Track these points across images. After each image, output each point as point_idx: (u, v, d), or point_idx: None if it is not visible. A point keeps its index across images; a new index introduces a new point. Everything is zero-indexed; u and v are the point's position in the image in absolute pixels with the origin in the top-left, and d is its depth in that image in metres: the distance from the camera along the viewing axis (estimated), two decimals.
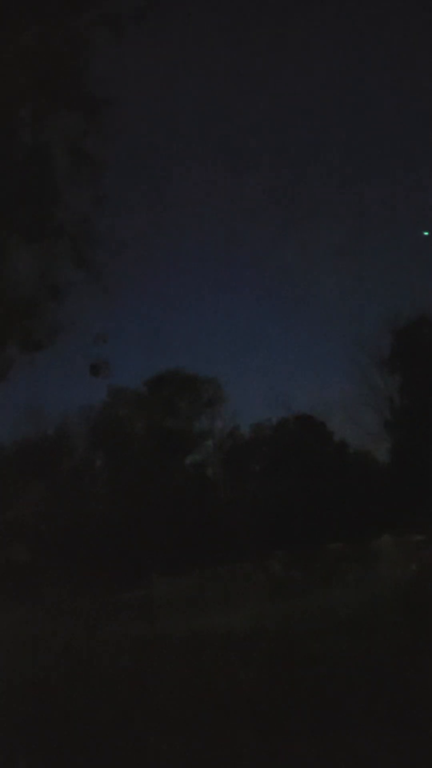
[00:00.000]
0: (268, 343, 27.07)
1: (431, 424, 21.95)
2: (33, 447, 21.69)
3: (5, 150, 8.15)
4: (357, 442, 24.17)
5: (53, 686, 8.31)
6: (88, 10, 7.83)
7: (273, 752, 6.07)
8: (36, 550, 17.14)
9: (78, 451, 23.63)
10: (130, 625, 13.22)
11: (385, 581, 13.59)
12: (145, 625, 13.10)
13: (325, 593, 13.26)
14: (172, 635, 10.92)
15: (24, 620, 12.52)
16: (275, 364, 26.19)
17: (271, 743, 6.21)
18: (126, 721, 7.03)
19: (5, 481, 18.95)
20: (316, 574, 15.89)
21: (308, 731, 6.27)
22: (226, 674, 8.11)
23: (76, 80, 8.22)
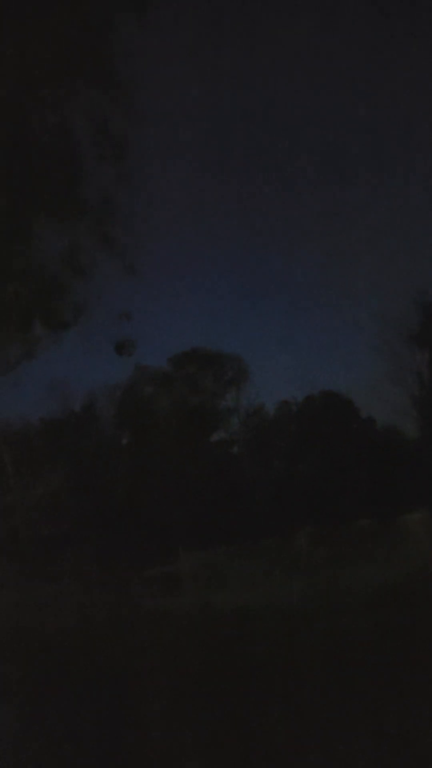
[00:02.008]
0: (293, 319, 26.75)
1: None
2: (59, 424, 21.89)
3: (29, 129, 8.11)
4: (384, 419, 23.97)
5: (76, 659, 8.47)
6: None
7: (283, 728, 6.12)
8: (62, 526, 17.36)
9: (103, 429, 23.81)
10: (155, 599, 13.39)
11: (412, 559, 13.56)
12: (171, 599, 13.25)
13: (351, 570, 13.28)
14: (196, 609, 11.05)
15: (51, 594, 12.73)
16: (301, 341, 25.90)
17: (283, 717, 6.27)
18: (144, 693, 7.15)
19: (32, 457, 19.18)
20: (343, 551, 15.90)
21: (321, 707, 6.30)
22: (246, 649, 8.19)
23: (100, 58, 8.12)
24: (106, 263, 9.98)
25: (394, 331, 23.05)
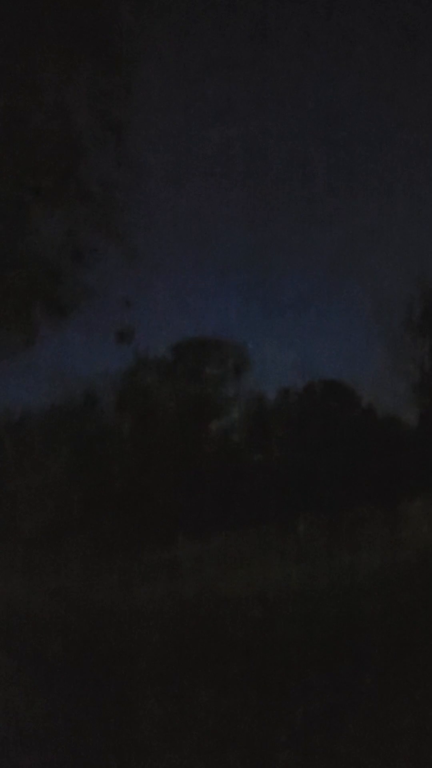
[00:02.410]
0: (294, 306, 26.72)
1: None
2: (59, 412, 21.95)
3: (26, 111, 8.09)
4: (385, 407, 23.96)
5: (78, 644, 8.52)
6: None
7: (282, 713, 6.19)
8: (63, 514, 17.45)
9: (104, 417, 23.87)
10: (156, 584, 13.46)
11: (411, 544, 13.61)
12: (171, 584, 13.33)
13: (351, 555, 13.34)
14: (196, 595, 11.11)
15: (51, 580, 12.80)
16: (301, 329, 25.81)
17: (281, 703, 6.33)
18: (145, 678, 7.22)
19: (32, 445, 19.25)
20: (343, 537, 15.96)
21: (320, 692, 6.36)
22: (245, 633, 8.25)
23: (100, 40, 8.07)
24: (106, 249, 9.95)
25: (395, 319, 23.02)
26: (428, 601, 8.08)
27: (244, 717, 6.27)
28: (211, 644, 8.13)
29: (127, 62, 8.28)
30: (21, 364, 11.15)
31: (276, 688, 6.68)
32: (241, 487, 10.54)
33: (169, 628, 9.15)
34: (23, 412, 17.73)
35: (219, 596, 10.81)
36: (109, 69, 8.12)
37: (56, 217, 9.05)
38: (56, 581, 11.79)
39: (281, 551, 13.68)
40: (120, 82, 8.28)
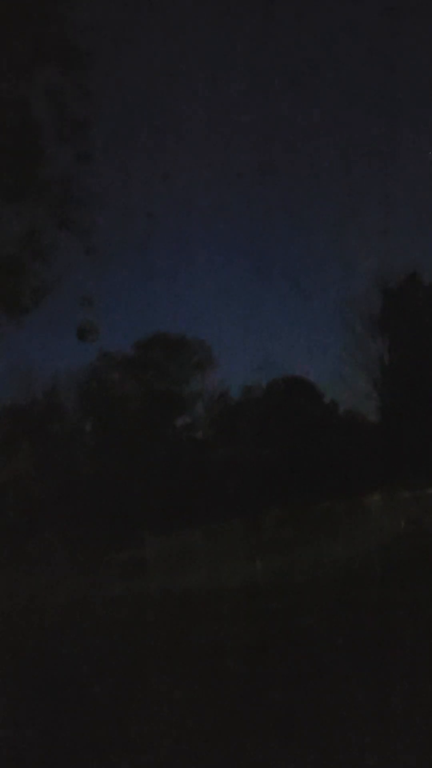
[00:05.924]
0: (257, 304, 26.88)
1: (420, 384, 22.06)
2: (22, 411, 21.66)
3: None
4: (347, 403, 24.33)
5: (47, 643, 8.47)
6: None
7: (261, 707, 6.23)
8: (27, 513, 17.25)
9: (68, 415, 23.65)
10: (122, 583, 13.43)
11: (373, 537, 13.83)
12: (138, 582, 13.31)
13: (316, 549, 13.50)
14: (163, 591, 11.13)
15: (15, 581, 12.68)
16: (264, 326, 25.98)
17: (260, 696, 6.38)
18: (120, 677, 7.19)
19: None
20: (307, 531, 16.12)
21: (297, 683, 6.42)
22: (218, 628, 8.29)
23: (58, 31, 7.99)
24: (66, 246, 9.89)
25: (357, 316, 23.34)
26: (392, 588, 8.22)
27: None
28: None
29: (87, 57, 8.21)
30: None
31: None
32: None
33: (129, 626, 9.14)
34: None
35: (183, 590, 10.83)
36: (68, 64, 8.04)
37: (15, 213, 8.93)
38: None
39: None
40: (80, 77, 8.20)
